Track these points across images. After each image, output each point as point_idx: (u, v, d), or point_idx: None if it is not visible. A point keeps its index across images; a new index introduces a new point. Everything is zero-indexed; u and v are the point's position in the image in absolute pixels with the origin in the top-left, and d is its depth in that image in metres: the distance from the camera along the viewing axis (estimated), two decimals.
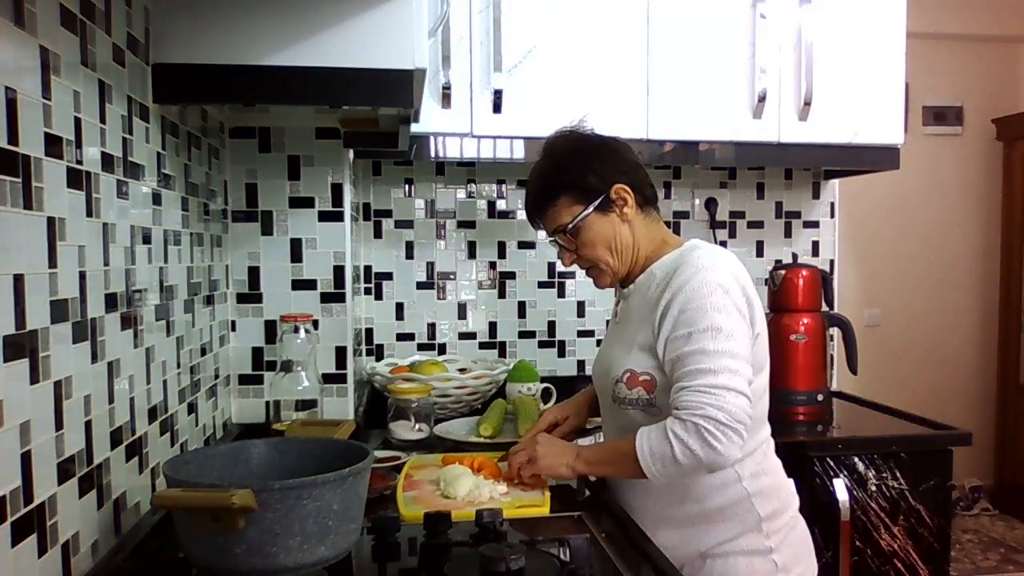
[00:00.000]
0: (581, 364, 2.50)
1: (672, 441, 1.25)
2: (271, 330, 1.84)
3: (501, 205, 2.48)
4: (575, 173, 1.41)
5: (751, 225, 2.61)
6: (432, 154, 2.07)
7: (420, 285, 2.45)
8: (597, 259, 1.43)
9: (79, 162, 0.99)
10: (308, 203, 1.84)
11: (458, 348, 2.47)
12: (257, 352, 1.85)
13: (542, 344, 2.51)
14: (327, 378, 1.85)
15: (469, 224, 2.47)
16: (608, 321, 1.64)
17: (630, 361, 1.38)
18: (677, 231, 2.53)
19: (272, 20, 1.31)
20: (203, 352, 1.61)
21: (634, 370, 1.38)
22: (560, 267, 2.49)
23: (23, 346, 0.84)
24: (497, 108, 2.02)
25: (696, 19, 2.13)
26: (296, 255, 1.85)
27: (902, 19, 2.25)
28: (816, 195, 2.64)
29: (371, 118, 1.71)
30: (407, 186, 2.44)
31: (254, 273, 1.84)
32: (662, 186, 2.53)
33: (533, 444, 1.46)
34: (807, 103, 2.17)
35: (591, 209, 1.40)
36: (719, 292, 1.30)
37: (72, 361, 0.97)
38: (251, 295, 1.84)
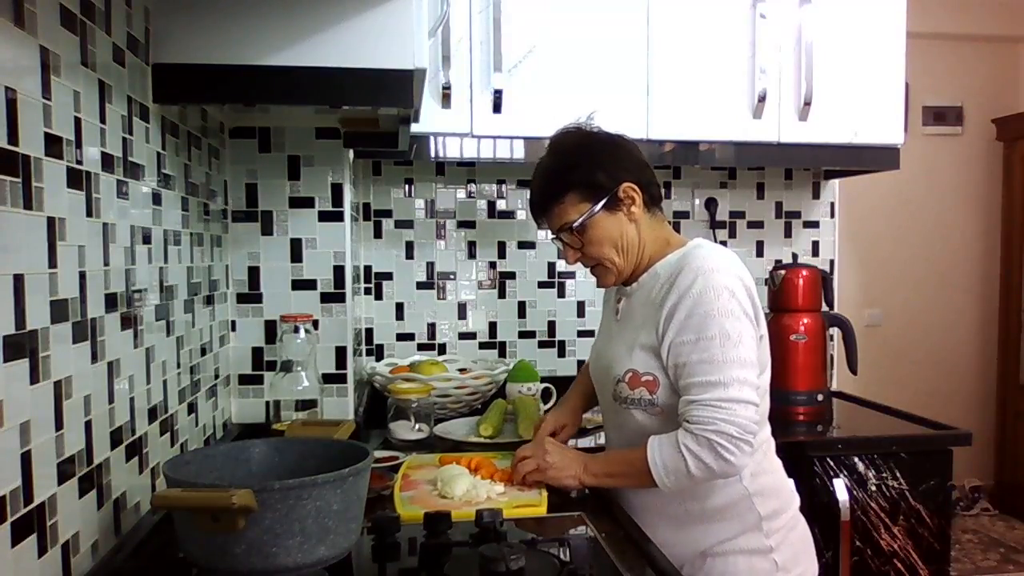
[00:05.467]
0: (581, 364, 2.50)
1: (686, 456, 1.26)
2: (271, 330, 1.84)
3: (501, 205, 2.48)
4: (583, 170, 1.39)
5: (751, 225, 2.61)
6: (432, 154, 2.07)
7: (420, 285, 2.45)
8: (603, 258, 1.42)
9: (79, 162, 0.99)
10: (308, 203, 1.84)
11: (458, 348, 2.47)
12: (257, 352, 1.85)
13: (542, 344, 2.51)
14: (327, 378, 1.85)
15: (469, 224, 2.47)
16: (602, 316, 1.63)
17: (632, 361, 1.38)
18: (677, 231, 2.51)
19: (272, 20, 1.31)
20: (203, 352, 1.61)
21: (636, 370, 1.38)
22: (560, 267, 2.50)
23: (23, 346, 0.84)
24: (497, 108, 2.02)
25: (696, 19, 2.13)
26: (296, 255, 1.85)
27: (902, 19, 2.25)
28: (816, 195, 2.64)
29: (371, 118, 1.71)
30: (407, 186, 2.44)
31: (254, 273, 1.84)
32: (662, 186, 2.53)
33: (542, 452, 1.45)
34: (807, 103, 2.17)
35: (599, 207, 1.39)
36: (726, 295, 1.29)
37: (72, 361, 0.97)
38: (251, 295, 1.84)
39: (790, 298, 2.19)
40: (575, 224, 1.39)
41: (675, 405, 1.33)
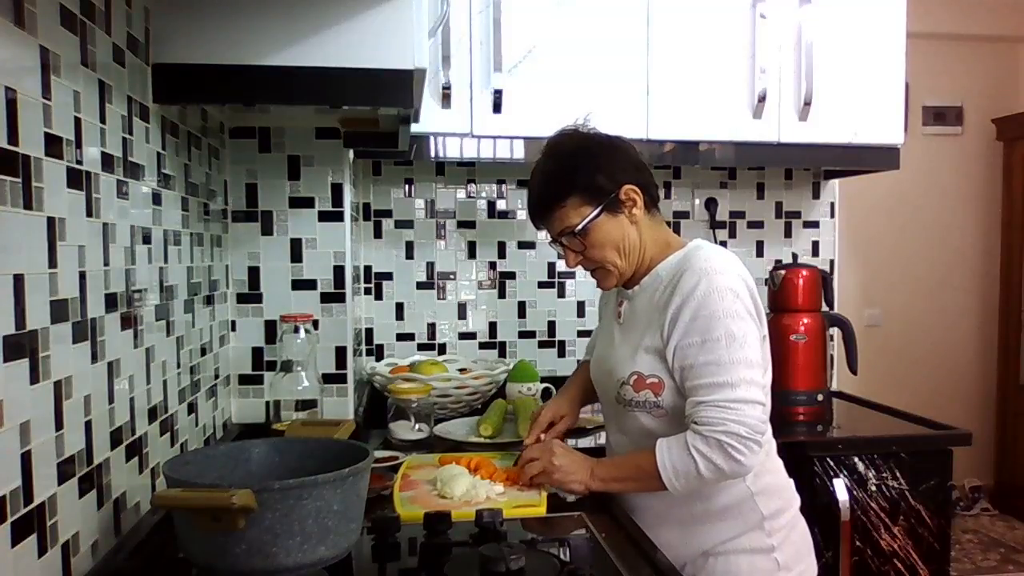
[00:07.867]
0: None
1: (696, 458, 1.26)
2: (271, 330, 1.84)
3: (501, 205, 2.48)
4: (584, 173, 1.38)
5: (751, 225, 2.61)
6: (432, 154, 2.07)
7: (420, 285, 2.45)
8: (605, 261, 1.41)
9: (79, 162, 0.99)
10: (308, 203, 1.84)
11: (458, 348, 2.47)
12: (257, 352, 1.85)
13: (542, 344, 2.51)
14: (327, 378, 1.85)
15: (469, 224, 2.47)
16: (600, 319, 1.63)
17: (637, 364, 1.38)
18: (677, 231, 2.53)
19: (272, 20, 1.31)
20: (203, 352, 1.61)
21: (641, 373, 1.37)
22: (560, 267, 2.50)
23: (23, 346, 0.84)
24: (497, 108, 2.02)
25: (696, 19, 2.13)
26: (296, 255, 1.85)
27: (902, 19, 2.25)
28: (816, 195, 2.64)
29: (371, 118, 1.71)
30: (407, 186, 2.44)
31: (254, 273, 1.84)
32: (662, 186, 2.54)
33: (549, 454, 1.44)
34: (807, 103, 2.17)
35: (600, 210, 1.37)
36: (730, 296, 1.29)
37: (72, 361, 0.97)
38: (251, 295, 1.84)
39: (790, 298, 2.19)
40: (577, 228, 1.38)
41: (679, 407, 1.33)
